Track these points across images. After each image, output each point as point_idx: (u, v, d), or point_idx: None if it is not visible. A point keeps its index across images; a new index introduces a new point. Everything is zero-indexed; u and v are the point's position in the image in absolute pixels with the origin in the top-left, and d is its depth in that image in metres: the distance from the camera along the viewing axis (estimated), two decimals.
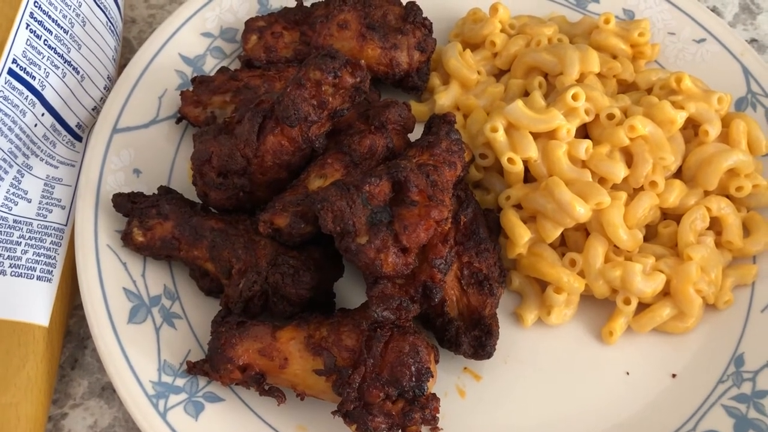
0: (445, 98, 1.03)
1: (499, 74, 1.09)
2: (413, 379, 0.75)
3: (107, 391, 0.87)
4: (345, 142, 0.87)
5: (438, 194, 0.80)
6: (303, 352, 0.77)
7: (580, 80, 1.00)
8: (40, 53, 0.87)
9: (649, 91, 1.03)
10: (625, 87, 1.05)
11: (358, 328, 0.78)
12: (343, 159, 0.86)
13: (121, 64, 1.06)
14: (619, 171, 0.91)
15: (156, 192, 0.89)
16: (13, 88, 0.85)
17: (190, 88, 0.98)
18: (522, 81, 1.04)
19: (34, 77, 0.86)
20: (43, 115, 0.90)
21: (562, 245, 0.95)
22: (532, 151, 0.92)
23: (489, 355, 0.84)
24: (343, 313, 0.82)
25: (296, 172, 0.87)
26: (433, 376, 0.77)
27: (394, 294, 0.78)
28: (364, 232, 0.77)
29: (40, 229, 0.88)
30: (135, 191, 0.88)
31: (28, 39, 0.86)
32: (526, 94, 1.04)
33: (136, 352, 0.80)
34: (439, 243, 0.81)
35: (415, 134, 0.92)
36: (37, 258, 0.86)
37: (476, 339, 0.85)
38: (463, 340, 0.84)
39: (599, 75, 1.03)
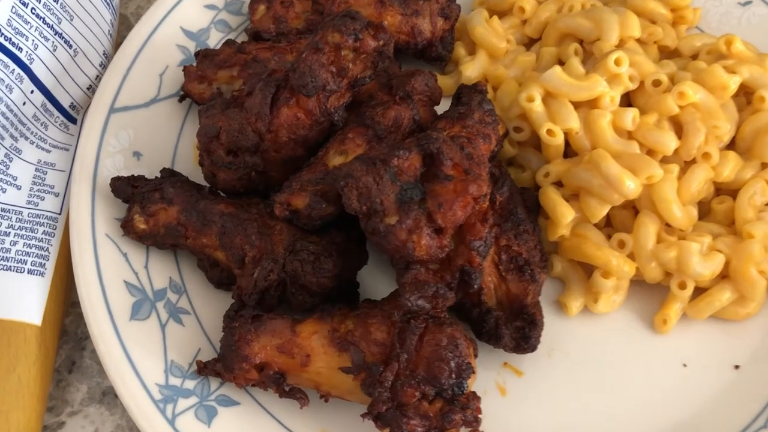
0: (471, 69, 0.95)
1: (528, 43, 1.02)
2: (453, 375, 0.69)
3: (108, 397, 0.82)
4: (367, 115, 0.80)
5: (474, 168, 0.72)
6: (327, 347, 0.71)
7: (619, 46, 0.92)
8: (27, 22, 0.81)
9: (694, 58, 0.95)
10: (666, 54, 0.97)
11: (389, 320, 0.71)
12: (366, 133, 0.79)
13: (118, 41, 1.00)
14: (669, 141, 0.84)
15: (159, 175, 0.84)
16: None
17: (194, 64, 0.92)
18: (555, 49, 0.96)
19: (20, 49, 0.80)
20: (32, 92, 0.84)
21: (607, 226, 0.87)
22: (574, 122, 0.84)
23: (533, 348, 0.77)
24: (370, 304, 0.75)
25: (313, 148, 0.80)
26: (474, 372, 0.71)
27: (429, 280, 0.70)
28: (393, 212, 0.69)
29: (31, 218, 0.83)
30: (135, 175, 0.83)
31: (13, 6, 0.80)
32: (559, 64, 0.95)
33: (139, 352, 0.75)
34: (477, 222, 0.72)
35: (440, 109, 0.85)
36: (28, 250, 0.81)
37: (518, 330, 0.78)
38: (503, 332, 0.77)
39: (638, 42, 0.95)
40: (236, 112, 0.77)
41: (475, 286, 0.72)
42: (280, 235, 0.76)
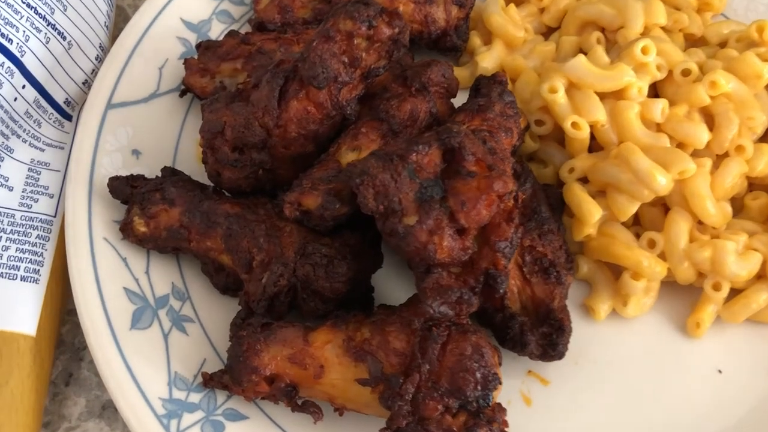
0: (488, 60, 0.91)
1: (546, 32, 0.98)
2: (478, 387, 0.65)
3: (108, 411, 0.79)
4: (381, 108, 0.76)
5: (499, 163, 0.67)
6: (342, 357, 0.68)
7: (643, 34, 0.88)
8: (17, 12, 0.78)
9: (721, 46, 0.91)
10: (692, 43, 0.93)
11: (409, 328, 0.67)
12: (380, 127, 0.75)
13: (115, 34, 0.97)
14: (701, 134, 0.80)
15: (159, 174, 0.80)
16: None
17: (195, 56, 0.88)
18: (576, 38, 0.92)
19: (11, 40, 0.77)
20: (24, 87, 0.81)
21: (635, 224, 0.83)
22: (600, 114, 0.80)
23: (560, 356, 0.74)
24: (386, 310, 0.71)
25: (324, 144, 0.76)
26: (501, 383, 0.66)
27: (453, 285, 0.65)
28: (412, 211, 0.65)
29: (24, 222, 0.80)
30: (135, 174, 0.80)
31: None
32: (580, 53, 0.91)
33: (141, 363, 0.72)
34: (502, 222, 0.68)
35: (455, 102, 0.81)
36: (21, 255, 0.78)
37: (545, 337, 0.74)
38: (529, 338, 0.74)
39: (663, 30, 0.91)
40: (242, 106, 0.74)
41: (501, 290, 0.68)
42: (290, 238, 0.72)
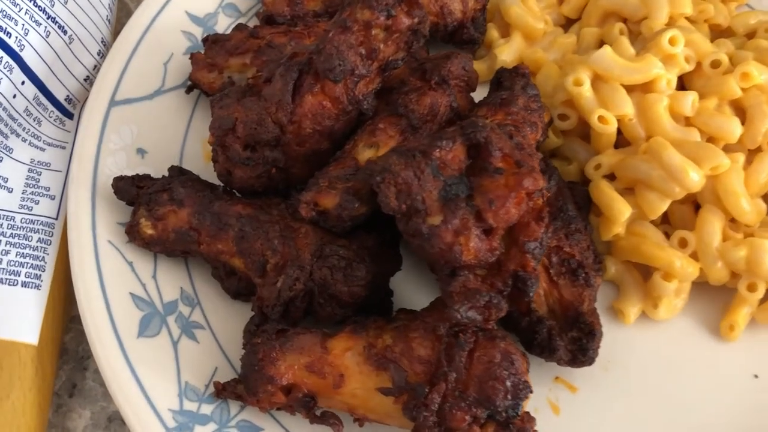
0: (507, 53, 0.89)
1: (565, 24, 0.95)
2: (508, 396, 0.63)
3: (115, 423, 0.78)
4: (400, 102, 0.73)
5: (527, 159, 0.64)
6: (363, 366, 0.65)
7: (668, 25, 0.85)
8: (16, 4, 0.77)
9: (749, 37, 0.88)
10: (717, 34, 0.90)
11: (434, 334, 0.65)
12: (398, 123, 0.72)
13: (117, 29, 0.94)
14: (734, 128, 0.78)
15: (166, 174, 0.78)
16: None
17: (202, 51, 0.86)
18: (597, 29, 0.90)
19: (9, 34, 0.76)
20: (23, 83, 0.79)
21: (663, 222, 0.80)
22: (628, 107, 0.77)
23: (591, 361, 0.72)
24: (408, 315, 0.69)
25: (339, 141, 0.73)
26: (532, 392, 0.63)
27: (481, 288, 0.62)
28: (437, 210, 0.63)
29: (24, 225, 0.78)
30: (140, 174, 0.78)
31: None
32: (601, 45, 0.88)
33: (149, 373, 0.70)
34: (531, 221, 0.65)
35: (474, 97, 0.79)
36: (22, 260, 0.76)
37: (574, 342, 0.72)
38: (558, 343, 0.72)
39: (687, 20, 0.88)
40: (254, 102, 0.71)
41: (531, 294, 0.65)
42: (305, 239, 0.69)
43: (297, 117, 0.69)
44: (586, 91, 0.78)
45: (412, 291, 0.78)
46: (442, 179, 0.63)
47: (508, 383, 0.62)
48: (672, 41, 0.79)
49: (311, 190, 0.68)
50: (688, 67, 0.80)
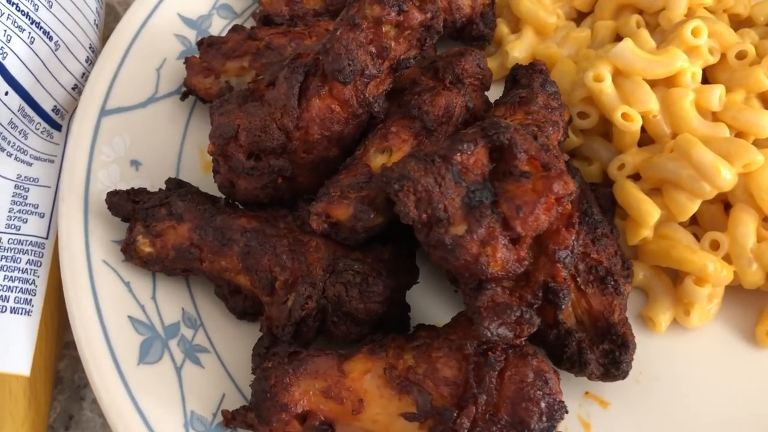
0: (519, 49, 0.85)
1: (577, 18, 0.91)
2: (543, 418, 0.59)
3: None
4: (412, 104, 0.70)
5: (554, 161, 0.60)
6: (384, 389, 0.62)
7: (688, 16, 0.81)
8: None
9: None
10: (737, 23, 0.86)
11: (460, 353, 0.61)
12: (412, 125, 0.69)
13: (105, 34, 0.90)
14: (764, 122, 0.75)
15: (163, 187, 0.75)
16: None
17: (196, 55, 0.83)
18: (612, 22, 0.86)
19: None
20: (6, 93, 0.76)
21: (691, 224, 0.76)
22: (652, 103, 0.74)
23: (624, 375, 0.68)
24: (429, 332, 0.65)
25: (349, 147, 0.69)
26: (567, 412, 0.60)
27: (510, 303, 0.57)
28: (460, 219, 0.59)
29: (11, 246, 0.76)
30: (135, 188, 0.75)
31: None
32: (616, 39, 0.84)
33: (152, 402, 0.67)
34: (561, 228, 0.61)
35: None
36: (11, 284, 0.74)
37: (606, 355, 0.68)
38: (589, 357, 0.68)
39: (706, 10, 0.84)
40: (257, 107, 0.67)
41: (563, 306, 0.61)
42: (316, 253, 0.66)
43: (304, 122, 0.65)
44: (608, 87, 0.74)
45: (428, 303, 0.74)
46: (464, 185, 0.59)
47: (543, 404, 0.58)
48: (695, 32, 0.75)
49: (322, 200, 0.63)
50: (713, 59, 0.77)
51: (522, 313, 0.58)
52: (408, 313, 0.70)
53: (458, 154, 0.59)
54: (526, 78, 0.72)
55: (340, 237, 0.65)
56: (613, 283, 0.68)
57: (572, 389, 0.71)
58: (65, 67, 0.81)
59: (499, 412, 0.58)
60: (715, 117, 0.75)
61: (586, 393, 0.71)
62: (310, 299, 0.63)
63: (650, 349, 0.73)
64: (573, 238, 0.61)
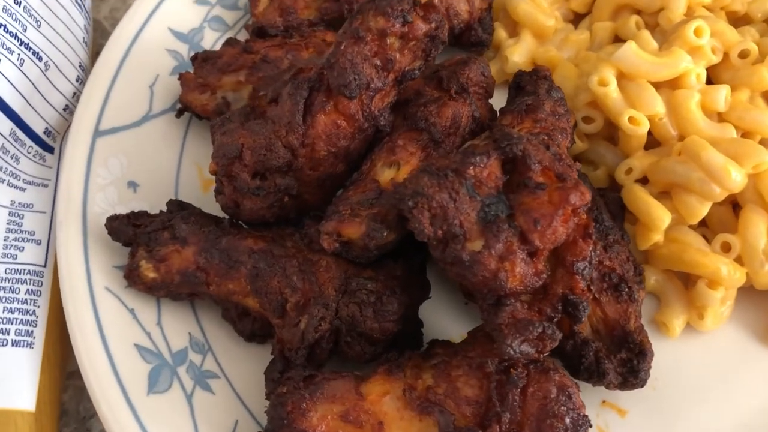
0: (518, 53, 0.84)
1: (574, 19, 0.90)
2: None
3: None
4: (419, 116, 0.68)
5: (568, 171, 0.58)
6: (404, 411, 0.60)
7: (687, 15, 0.80)
8: None
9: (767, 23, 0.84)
10: (734, 21, 0.85)
11: (480, 371, 0.60)
12: (419, 138, 0.68)
13: (95, 51, 0.86)
14: None
15: (164, 209, 0.73)
16: None
17: (190, 69, 0.81)
18: (611, 24, 0.85)
19: None
20: None
21: (700, 226, 0.75)
22: (659, 106, 0.73)
23: (643, 383, 0.67)
24: (446, 350, 0.63)
25: (355, 162, 0.68)
26: (591, 425, 0.58)
27: (531, 318, 0.56)
28: (476, 234, 0.57)
29: (9, 276, 0.73)
30: (135, 210, 0.73)
31: None
32: (615, 40, 0.84)
33: None
34: (578, 238, 0.59)
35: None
36: (11, 316, 0.71)
37: (624, 363, 0.67)
38: (607, 366, 0.66)
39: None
40: (261, 125, 0.65)
41: (583, 319, 0.59)
42: (327, 273, 0.64)
43: (310, 139, 0.63)
44: (613, 91, 0.73)
45: (439, 317, 0.73)
46: (479, 199, 0.57)
47: (567, 420, 0.57)
48: (697, 32, 0.74)
49: (332, 219, 0.62)
50: (715, 59, 0.76)
51: (544, 328, 0.57)
52: (421, 329, 0.69)
53: (471, 167, 0.58)
54: (531, 84, 0.71)
55: (352, 255, 0.63)
56: (627, 290, 0.67)
57: (589, 398, 0.67)
58: (56, 87, 0.79)
59: (523, 430, 0.56)
60: (720, 117, 0.74)
61: (603, 402, 0.70)
62: (324, 321, 0.61)
63: (665, 354, 0.72)
64: (590, 249, 0.60)
